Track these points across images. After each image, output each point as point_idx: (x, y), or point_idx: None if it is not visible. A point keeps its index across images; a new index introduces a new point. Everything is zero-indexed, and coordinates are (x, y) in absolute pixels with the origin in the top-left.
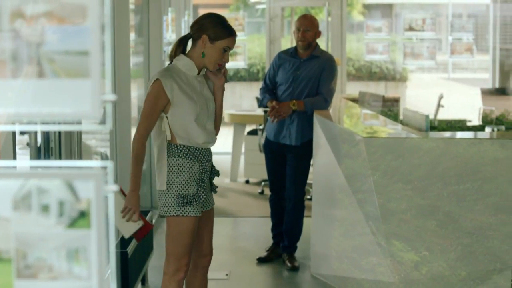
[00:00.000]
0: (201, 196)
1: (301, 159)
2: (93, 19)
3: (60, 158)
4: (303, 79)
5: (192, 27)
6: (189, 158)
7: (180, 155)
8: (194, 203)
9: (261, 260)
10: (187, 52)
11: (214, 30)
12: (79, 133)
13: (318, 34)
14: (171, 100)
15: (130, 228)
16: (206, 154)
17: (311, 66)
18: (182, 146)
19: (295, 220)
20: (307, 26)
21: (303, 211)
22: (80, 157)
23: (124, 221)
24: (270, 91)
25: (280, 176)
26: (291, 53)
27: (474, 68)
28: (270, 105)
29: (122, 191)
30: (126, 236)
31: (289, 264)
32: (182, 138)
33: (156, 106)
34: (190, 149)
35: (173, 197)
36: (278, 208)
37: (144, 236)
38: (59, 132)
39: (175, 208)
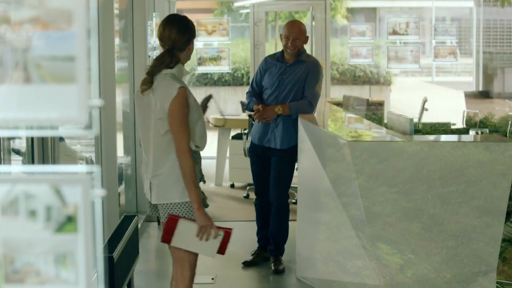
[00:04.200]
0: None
1: (285, 162)
2: (79, 24)
3: (43, 163)
4: (288, 84)
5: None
6: (196, 163)
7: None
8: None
9: (246, 264)
10: None
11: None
12: (55, 138)
13: (306, 40)
14: (190, 107)
15: (213, 245)
16: (200, 158)
17: (297, 71)
18: (191, 151)
19: (279, 223)
20: (297, 35)
21: (287, 214)
22: (55, 162)
23: (203, 243)
24: (256, 95)
25: (265, 179)
26: (278, 57)
27: (458, 72)
28: (256, 107)
29: (184, 218)
30: (214, 256)
31: (272, 267)
32: (197, 144)
33: (187, 114)
34: (195, 153)
35: (190, 204)
36: (263, 212)
37: (228, 243)
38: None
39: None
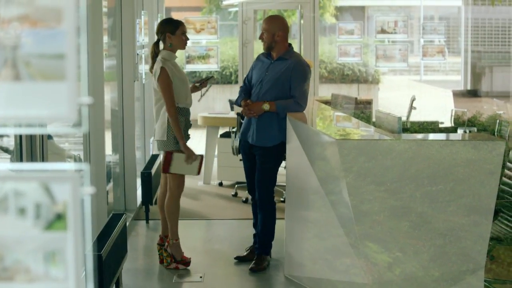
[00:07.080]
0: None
1: (267, 161)
2: (68, 22)
3: (32, 161)
4: (269, 80)
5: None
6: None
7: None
8: None
9: (239, 259)
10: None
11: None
12: (44, 136)
13: (279, 35)
14: (171, 79)
15: (194, 166)
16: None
17: (279, 68)
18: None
19: (263, 222)
20: (264, 28)
21: (272, 214)
22: (43, 160)
23: (189, 166)
24: (246, 91)
25: (254, 176)
26: (267, 54)
27: (446, 70)
28: (243, 103)
29: (176, 151)
30: (196, 173)
31: (250, 265)
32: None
33: (170, 84)
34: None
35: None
36: (256, 210)
37: (202, 165)
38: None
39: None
